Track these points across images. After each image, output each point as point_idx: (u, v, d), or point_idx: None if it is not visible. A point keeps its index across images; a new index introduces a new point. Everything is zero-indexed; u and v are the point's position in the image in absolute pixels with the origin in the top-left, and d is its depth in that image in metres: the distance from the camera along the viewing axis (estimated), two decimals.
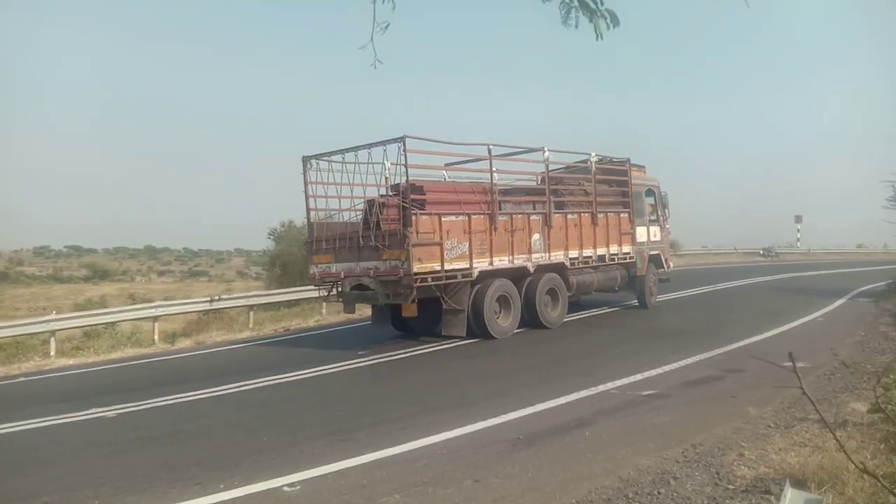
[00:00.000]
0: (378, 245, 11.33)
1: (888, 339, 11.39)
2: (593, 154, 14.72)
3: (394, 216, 11.58)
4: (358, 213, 12.71)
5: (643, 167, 17.05)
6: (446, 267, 11.47)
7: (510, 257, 12.73)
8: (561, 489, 5.02)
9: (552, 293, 13.67)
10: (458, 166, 14.04)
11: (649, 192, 16.92)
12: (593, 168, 14.78)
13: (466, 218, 11.89)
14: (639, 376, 8.84)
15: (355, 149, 11.97)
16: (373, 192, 12.30)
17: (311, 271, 12.71)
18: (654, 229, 16.84)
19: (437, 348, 11.85)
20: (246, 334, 16.12)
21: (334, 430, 6.90)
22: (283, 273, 24.72)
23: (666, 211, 17.38)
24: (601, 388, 8.24)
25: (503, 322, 12.67)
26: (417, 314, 11.88)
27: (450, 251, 11.55)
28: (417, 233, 11.01)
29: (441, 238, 11.38)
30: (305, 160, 12.31)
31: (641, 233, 16.14)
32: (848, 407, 6.81)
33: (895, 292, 17.05)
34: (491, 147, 12.61)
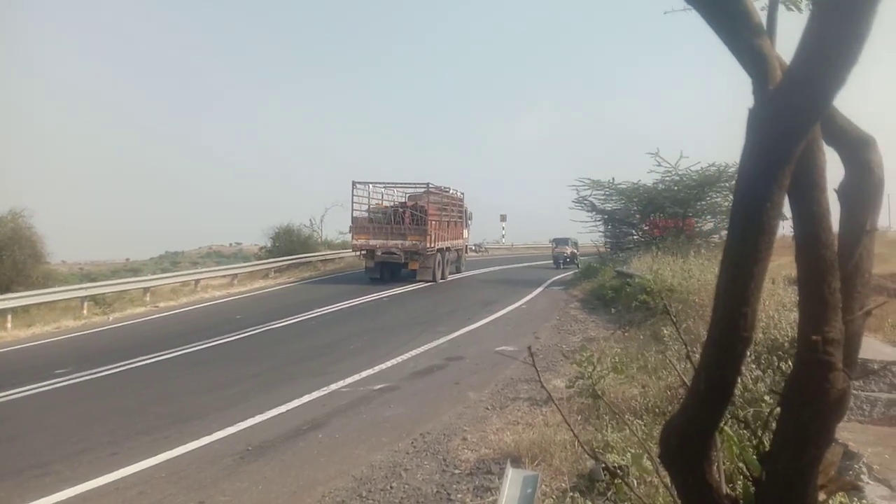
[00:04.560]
0: (405, 231, 21.46)
1: (577, 322, 13.28)
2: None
3: (409, 217, 21.87)
4: (375, 212, 22.78)
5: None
6: (432, 245, 21.47)
7: (441, 243, 22.77)
8: (294, 498, 4.88)
9: (447, 262, 24.08)
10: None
11: (465, 210, 27.98)
12: (460, 195, 26.68)
13: (436, 222, 22.28)
14: (371, 370, 9.05)
15: (394, 185, 24.18)
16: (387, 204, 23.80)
17: (353, 243, 22.26)
18: (467, 231, 28.47)
19: (159, 359, 10.77)
20: None
21: (25, 466, 5.84)
22: None
23: (469, 221, 28.70)
24: (334, 386, 8.25)
25: (440, 274, 22.42)
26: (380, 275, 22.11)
27: (431, 237, 21.31)
28: (426, 226, 21.15)
29: (431, 231, 21.35)
30: (354, 183, 22.20)
31: (464, 234, 27.60)
32: (550, 384, 7.72)
33: (580, 281, 19.98)
34: (437, 185, 23.85)
